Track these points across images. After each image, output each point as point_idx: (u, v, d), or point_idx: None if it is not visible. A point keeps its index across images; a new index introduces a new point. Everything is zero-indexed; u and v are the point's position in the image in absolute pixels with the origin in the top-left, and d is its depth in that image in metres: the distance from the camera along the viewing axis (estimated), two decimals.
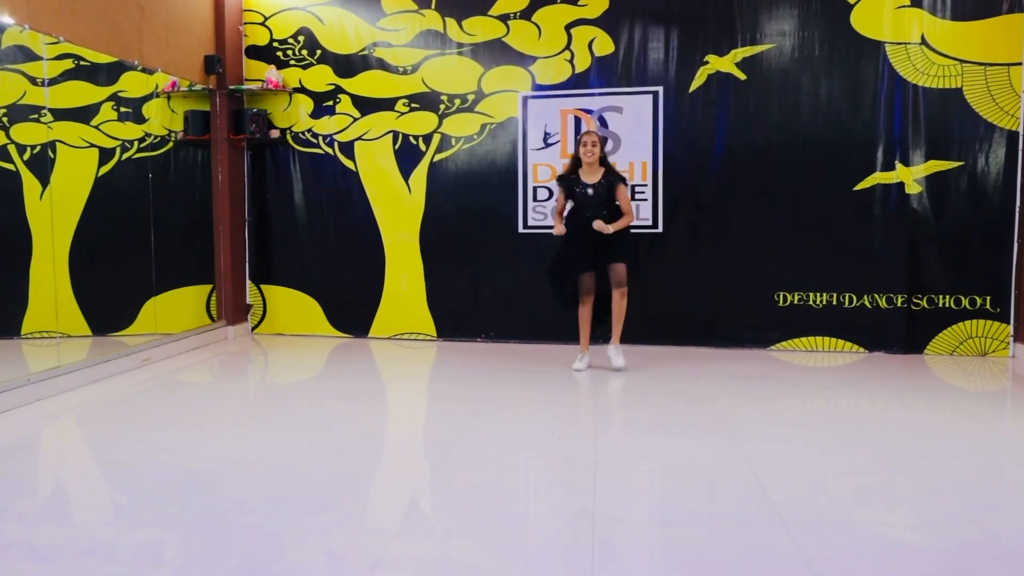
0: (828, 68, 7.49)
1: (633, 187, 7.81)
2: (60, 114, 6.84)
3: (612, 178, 6.70)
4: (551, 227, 7.52)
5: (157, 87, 7.71)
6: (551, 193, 7.97)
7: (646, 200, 7.81)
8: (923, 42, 7.33)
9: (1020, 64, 7.20)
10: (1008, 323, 7.37)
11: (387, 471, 4.43)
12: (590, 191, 6.65)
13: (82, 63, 6.83)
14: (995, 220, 7.32)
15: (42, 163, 6.62)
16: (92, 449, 4.85)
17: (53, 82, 6.62)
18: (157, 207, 7.57)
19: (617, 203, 6.69)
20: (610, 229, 6.52)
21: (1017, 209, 7.27)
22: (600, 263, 6.66)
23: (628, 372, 6.69)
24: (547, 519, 3.71)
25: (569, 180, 6.77)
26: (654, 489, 4.08)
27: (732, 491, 3.94)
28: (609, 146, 7.83)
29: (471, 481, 4.12)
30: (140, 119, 7.56)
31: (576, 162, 6.78)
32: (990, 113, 7.26)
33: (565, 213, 6.85)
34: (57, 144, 6.78)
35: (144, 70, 7.34)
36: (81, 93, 7.00)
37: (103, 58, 6.89)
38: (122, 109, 7.31)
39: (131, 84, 7.34)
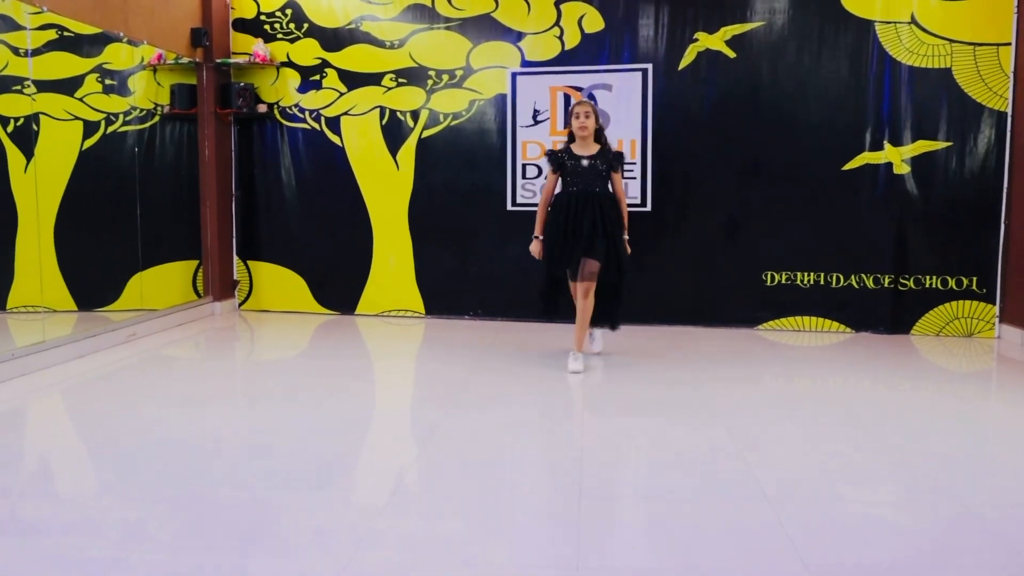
0: (818, 47, 7.47)
1: None
2: (44, 86, 6.77)
3: (611, 156, 6.10)
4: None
5: (143, 59, 7.65)
6: (540, 171, 7.94)
7: (635, 178, 7.79)
8: (913, 21, 7.31)
9: (1009, 44, 7.19)
10: (994, 304, 7.39)
11: (373, 448, 4.44)
12: (584, 162, 6.01)
13: (66, 34, 6.76)
14: (983, 201, 7.32)
15: (26, 136, 6.56)
16: (77, 424, 4.83)
17: (36, 53, 6.55)
18: (143, 181, 7.52)
19: (611, 188, 6.12)
20: (628, 249, 6.15)
21: (1005, 190, 7.28)
22: (581, 249, 5.97)
23: (614, 352, 6.68)
24: (533, 495, 3.71)
25: (559, 155, 6.11)
26: (640, 467, 4.09)
27: (718, 469, 3.96)
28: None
29: (457, 458, 4.14)
30: (126, 92, 7.49)
31: (570, 138, 6.20)
32: (979, 93, 7.26)
33: (552, 196, 6.28)
34: (41, 116, 6.72)
35: (130, 42, 7.27)
36: (65, 64, 6.93)
37: (88, 29, 6.81)
38: (107, 81, 7.25)
39: (116, 56, 7.27)
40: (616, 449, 4.34)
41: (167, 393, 5.40)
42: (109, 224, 7.46)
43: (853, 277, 7.56)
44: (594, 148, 6.11)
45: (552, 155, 6.17)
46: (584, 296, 6.02)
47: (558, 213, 6.06)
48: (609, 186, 6.10)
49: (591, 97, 7.83)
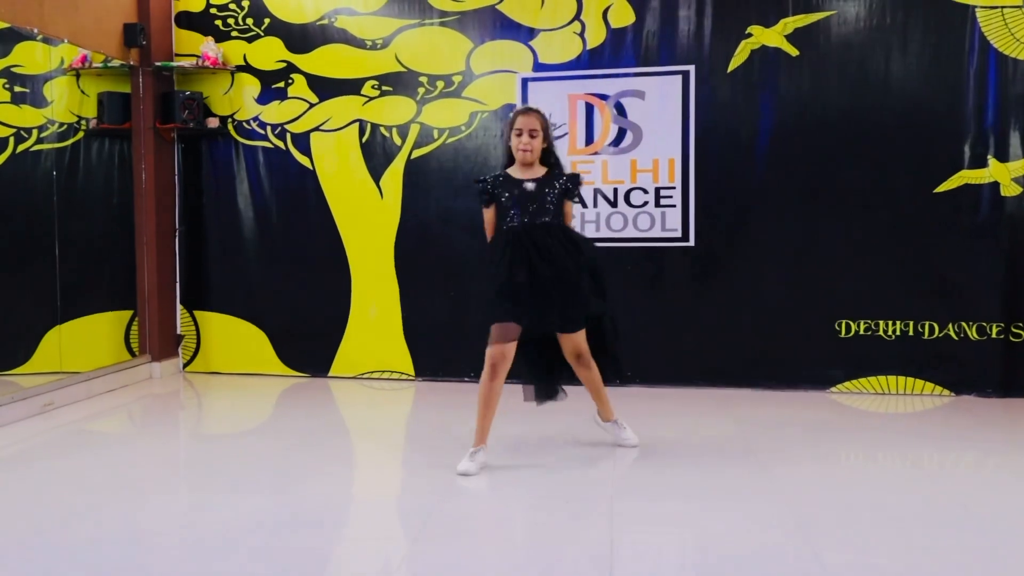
0: (902, 39, 7.35)
1: (658, 190, 7.70)
2: None
3: (563, 181, 5.56)
4: None
5: (63, 62, 7.65)
6: None
7: (674, 206, 7.71)
8: None
9: None
10: None
11: (351, 544, 4.37)
12: (530, 185, 5.48)
13: None
14: None
15: None
16: None
17: None
18: (63, 213, 7.54)
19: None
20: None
21: None
22: (546, 323, 5.46)
23: (653, 423, 6.55)
24: None
25: (487, 183, 5.56)
26: (686, 571, 3.97)
27: (783, 573, 3.80)
28: (628, 140, 7.74)
29: (455, 557, 4.05)
30: (41, 102, 7.52)
31: (508, 159, 5.67)
32: None
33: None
34: None
35: (45, 40, 7.31)
36: None
37: None
38: (17, 89, 7.27)
39: (28, 57, 7.32)
40: (656, 546, 4.22)
41: (93, 479, 5.30)
42: (19, 266, 7.45)
43: (951, 326, 7.41)
44: (540, 172, 5.58)
45: (480, 184, 5.60)
46: (587, 367, 5.63)
47: (497, 262, 5.45)
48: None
49: (618, 107, 7.73)
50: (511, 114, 5.63)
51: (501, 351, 5.34)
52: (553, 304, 5.38)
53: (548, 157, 5.62)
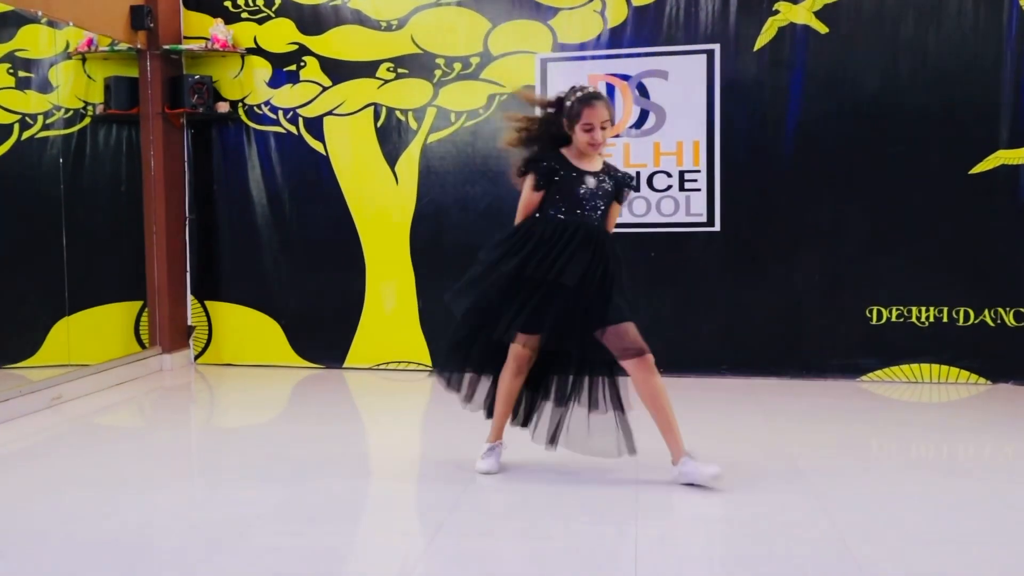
0: (936, 14, 7.29)
1: (682, 173, 7.66)
2: None
3: (619, 177, 5.08)
4: None
5: (68, 46, 7.63)
6: None
7: (699, 190, 7.67)
8: None
9: None
10: None
11: (367, 539, 4.36)
12: (591, 180, 4.95)
13: None
14: None
15: None
16: None
17: None
18: (70, 201, 7.51)
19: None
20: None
21: None
22: (586, 326, 4.88)
23: (679, 412, 6.51)
24: None
25: (549, 167, 4.93)
26: (713, 566, 3.93)
27: (816, 570, 3.75)
28: (650, 122, 7.71)
29: (476, 552, 4.02)
30: (46, 87, 7.49)
31: (553, 137, 5.04)
32: None
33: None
34: None
35: (50, 23, 7.28)
36: None
37: None
38: (21, 74, 7.25)
39: (33, 41, 7.29)
40: (681, 539, 4.21)
41: (102, 472, 5.28)
42: (25, 256, 7.43)
43: (987, 312, 7.36)
44: (597, 162, 5.05)
45: (538, 164, 4.95)
46: (650, 371, 5.07)
47: (531, 251, 4.96)
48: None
49: (640, 88, 7.70)
50: (569, 102, 4.88)
51: (528, 354, 5.02)
52: (596, 304, 4.84)
53: None
